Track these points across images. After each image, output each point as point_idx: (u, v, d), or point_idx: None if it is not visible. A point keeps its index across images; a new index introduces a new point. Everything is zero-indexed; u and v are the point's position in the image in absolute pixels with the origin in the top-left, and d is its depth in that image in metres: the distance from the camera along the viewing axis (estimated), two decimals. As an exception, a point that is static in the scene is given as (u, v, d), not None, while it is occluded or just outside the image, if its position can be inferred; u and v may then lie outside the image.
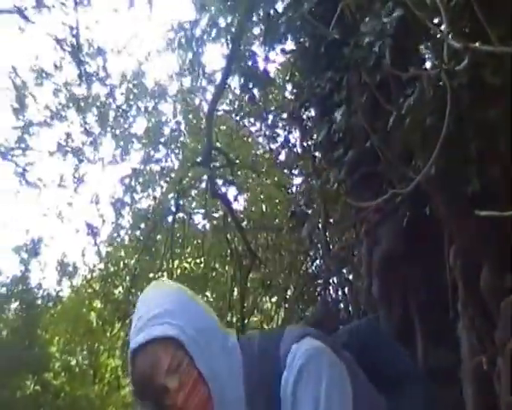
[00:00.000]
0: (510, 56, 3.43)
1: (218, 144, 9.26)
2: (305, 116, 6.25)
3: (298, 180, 8.25)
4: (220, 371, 1.90)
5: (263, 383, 1.88)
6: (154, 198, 11.14)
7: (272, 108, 8.15)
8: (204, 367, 1.88)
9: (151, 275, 10.89)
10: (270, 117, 8.11)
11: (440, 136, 4.29)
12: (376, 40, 4.05)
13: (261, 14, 5.70)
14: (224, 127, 10.08)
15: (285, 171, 8.60)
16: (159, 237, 11.19)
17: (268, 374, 1.88)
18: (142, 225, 11.14)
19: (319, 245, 6.61)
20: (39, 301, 16.41)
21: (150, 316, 1.91)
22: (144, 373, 1.88)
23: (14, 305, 16.50)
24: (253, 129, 9.79)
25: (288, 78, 6.93)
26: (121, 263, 12.53)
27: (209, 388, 1.87)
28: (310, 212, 6.56)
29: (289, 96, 6.74)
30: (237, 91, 7.69)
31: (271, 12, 5.31)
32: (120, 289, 12.68)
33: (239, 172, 10.25)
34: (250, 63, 6.41)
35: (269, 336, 2.03)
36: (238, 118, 9.40)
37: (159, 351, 1.87)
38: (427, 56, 4.36)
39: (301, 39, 5.23)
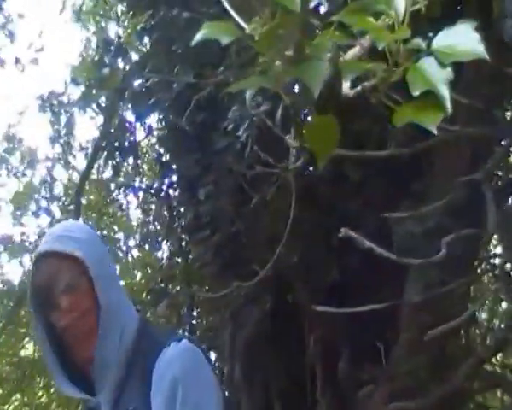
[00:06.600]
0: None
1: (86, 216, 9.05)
2: (172, 194, 6.22)
3: (163, 255, 8.07)
4: (116, 314, 1.92)
5: (147, 355, 1.92)
6: (24, 269, 10.62)
7: (144, 182, 8.07)
8: (102, 298, 1.90)
9: (15, 343, 10.48)
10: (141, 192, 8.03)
11: (304, 226, 4.39)
12: (244, 129, 4.09)
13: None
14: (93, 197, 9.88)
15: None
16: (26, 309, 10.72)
17: (152, 352, 1.92)
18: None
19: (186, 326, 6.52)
20: None
21: (61, 234, 1.97)
22: (42, 282, 1.91)
23: None
24: (125, 201, 9.61)
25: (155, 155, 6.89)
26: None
27: (99, 321, 1.90)
28: (170, 289, 6.52)
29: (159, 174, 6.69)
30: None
31: (141, 90, 5.30)
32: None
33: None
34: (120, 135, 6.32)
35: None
36: (112, 186, 9.19)
37: (62, 266, 1.90)
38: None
39: (171, 119, 5.23)
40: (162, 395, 1.86)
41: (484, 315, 5.50)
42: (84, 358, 1.94)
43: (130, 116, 6.49)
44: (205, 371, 1.94)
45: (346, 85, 1.24)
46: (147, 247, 8.12)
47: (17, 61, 8.54)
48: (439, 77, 1.05)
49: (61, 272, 1.90)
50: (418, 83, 1.07)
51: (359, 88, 1.25)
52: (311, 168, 4.41)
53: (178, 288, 6.57)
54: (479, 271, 4.43)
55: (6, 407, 9.90)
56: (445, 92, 1.04)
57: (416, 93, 1.07)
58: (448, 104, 1.04)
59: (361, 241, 1.96)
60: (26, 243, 10.23)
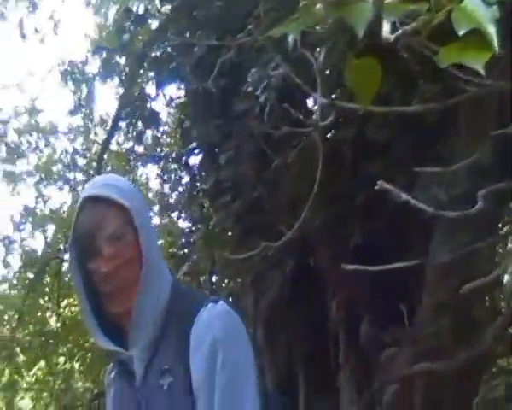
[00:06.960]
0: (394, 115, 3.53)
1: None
2: (193, 162, 6.24)
3: (183, 224, 8.10)
4: (157, 266, 1.92)
5: (182, 315, 1.91)
6: (45, 239, 10.71)
7: (164, 152, 8.09)
8: (146, 249, 1.89)
9: (39, 314, 10.60)
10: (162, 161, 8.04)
11: (328, 188, 4.37)
12: (262, 91, 4.07)
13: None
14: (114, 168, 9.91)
15: (173, 214, 8.50)
16: (48, 279, 10.82)
17: (187, 312, 1.91)
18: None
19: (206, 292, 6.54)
20: None
21: (106, 183, 1.96)
22: (86, 228, 1.89)
23: None
24: (146, 170, 9.67)
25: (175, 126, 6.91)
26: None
27: (142, 272, 1.88)
28: (191, 255, 6.54)
29: (180, 142, 6.70)
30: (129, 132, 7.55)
31: (162, 55, 5.28)
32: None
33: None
34: (141, 104, 6.32)
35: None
36: (131, 158, 9.23)
37: (108, 213, 1.89)
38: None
39: (192, 85, 5.20)
40: (202, 357, 1.85)
41: (507, 278, 5.48)
42: (122, 309, 1.92)
43: (150, 88, 6.50)
44: (242, 333, 1.93)
45: (385, 30, 1.23)
46: (168, 215, 8.15)
47: (36, 30, 8.58)
48: (485, 15, 1.03)
49: (106, 218, 1.88)
50: (463, 22, 1.04)
51: (399, 32, 1.24)
52: (334, 130, 4.40)
53: (199, 254, 6.59)
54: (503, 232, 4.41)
55: (31, 373, 10.03)
56: (491, 30, 1.02)
57: (461, 32, 1.05)
58: (496, 43, 1.02)
59: (397, 193, 1.94)
60: (48, 213, 10.31)
